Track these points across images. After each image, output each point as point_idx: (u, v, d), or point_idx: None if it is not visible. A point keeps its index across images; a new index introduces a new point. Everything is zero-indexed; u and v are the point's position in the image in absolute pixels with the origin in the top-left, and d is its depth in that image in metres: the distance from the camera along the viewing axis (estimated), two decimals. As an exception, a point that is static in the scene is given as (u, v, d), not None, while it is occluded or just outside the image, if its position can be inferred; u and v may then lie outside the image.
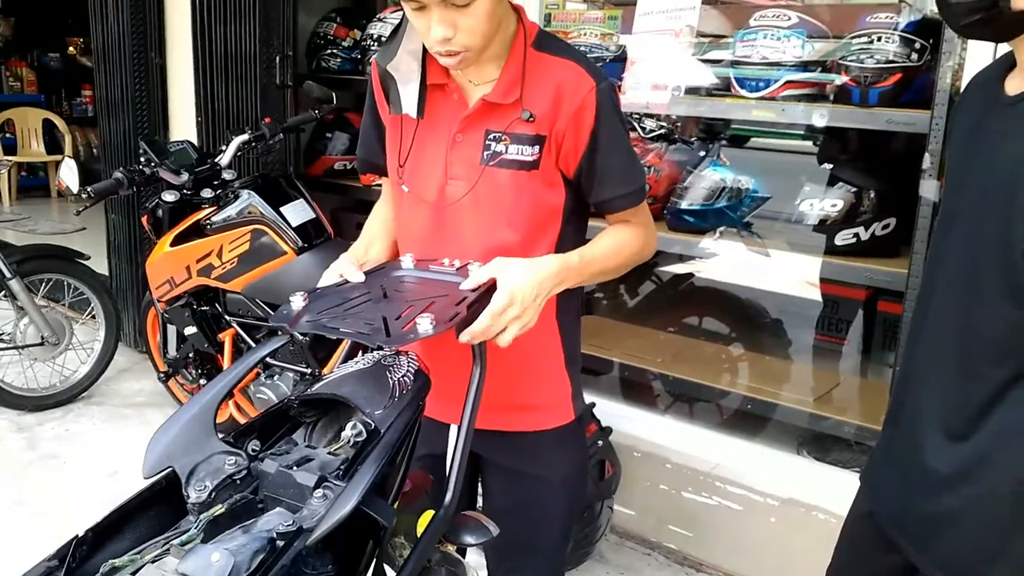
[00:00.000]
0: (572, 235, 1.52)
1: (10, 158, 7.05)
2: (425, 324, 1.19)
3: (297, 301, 1.30)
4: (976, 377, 1.14)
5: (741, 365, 3.29)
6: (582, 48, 2.95)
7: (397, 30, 1.48)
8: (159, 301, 3.13)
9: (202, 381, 3.27)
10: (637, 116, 3.31)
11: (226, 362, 3.04)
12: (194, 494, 1.15)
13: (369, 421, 1.23)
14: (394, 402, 1.26)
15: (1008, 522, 1.14)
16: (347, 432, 1.25)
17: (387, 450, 1.16)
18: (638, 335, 3.43)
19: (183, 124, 3.95)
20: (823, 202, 2.58)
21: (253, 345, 2.96)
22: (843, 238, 2.55)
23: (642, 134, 3.33)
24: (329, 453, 1.25)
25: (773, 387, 2.92)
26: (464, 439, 1.32)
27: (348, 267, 1.42)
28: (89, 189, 2.72)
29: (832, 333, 3.34)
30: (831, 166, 2.72)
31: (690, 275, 3.73)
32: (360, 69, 3.67)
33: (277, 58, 3.48)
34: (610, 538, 2.79)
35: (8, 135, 7.41)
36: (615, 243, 1.50)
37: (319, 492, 1.15)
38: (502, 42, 1.42)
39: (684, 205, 2.84)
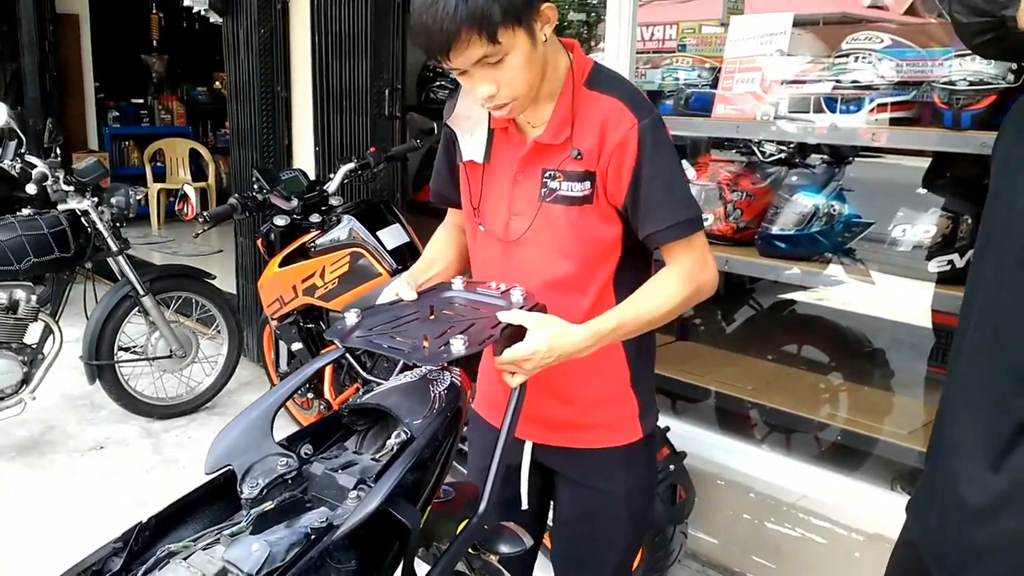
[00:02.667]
0: (633, 268, 1.55)
1: (157, 185, 7.66)
2: (458, 345, 1.27)
3: (351, 317, 1.40)
4: (1005, 409, 1.11)
5: (838, 396, 3.20)
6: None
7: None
8: (271, 318, 3.35)
9: (309, 395, 3.46)
10: (757, 141, 3.28)
11: (327, 377, 3.21)
12: (247, 490, 1.25)
13: (408, 431, 1.32)
14: (432, 413, 1.34)
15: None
16: (391, 440, 1.34)
17: (413, 455, 1.23)
18: (733, 362, 3.40)
19: (304, 154, 4.21)
20: (915, 228, 2.50)
21: (353, 363, 3.11)
22: (937, 264, 2.46)
23: (761, 158, 3.30)
24: (372, 459, 1.33)
25: (869, 419, 2.83)
26: (500, 453, 1.38)
27: (403, 287, 1.52)
28: (206, 214, 2.95)
29: (942, 363, 3.20)
30: (926, 191, 2.63)
31: (791, 302, 3.66)
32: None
33: (386, 91, 3.67)
34: (691, 566, 2.77)
35: (159, 163, 8.03)
36: (659, 296, 1.49)
37: (354, 493, 1.24)
38: (554, 81, 1.49)
39: (775, 230, 2.80)
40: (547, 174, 1.50)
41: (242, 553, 1.15)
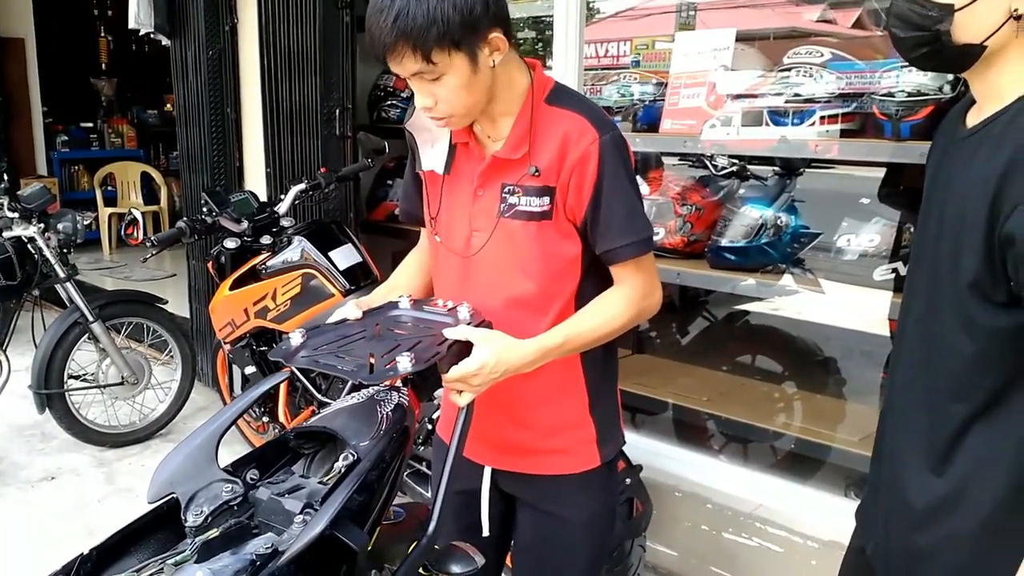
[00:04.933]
0: (595, 288, 1.55)
1: (109, 209, 7.53)
2: (404, 362, 1.26)
3: (296, 337, 1.39)
4: (941, 413, 1.14)
5: (792, 404, 3.24)
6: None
7: None
8: (224, 342, 3.30)
9: (265, 419, 3.41)
10: (709, 155, 3.32)
11: (281, 400, 3.17)
12: (191, 518, 1.23)
13: (355, 452, 1.31)
14: (379, 434, 1.34)
15: (972, 563, 1.12)
16: (339, 463, 1.33)
17: (359, 477, 1.22)
18: (688, 373, 3.42)
19: (255, 175, 4.17)
20: (859, 237, 2.55)
21: (308, 385, 3.08)
22: (882, 273, 2.51)
23: (713, 172, 3.34)
24: (319, 482, 1.32)
25: (822, 427, 2.86)
26: (448, 470, 1.38)
27: (350, 307, 1.51)
28: (153, 238, 2.91)
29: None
30: (867, 201, 2.69)
31: (744, 312, 3.70)
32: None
33: (337, 111, 3.66)
34: (651, 578, 2.78)
35: (110, 187, 7.90)
36: (605, 314, 1.51)
37: (299, 517, 1.23)
38: (513, 99, 1.49)
39: (724, 242, 2.84)
40: (506, 189, 1.50)
41: (185, 582, 1.13)
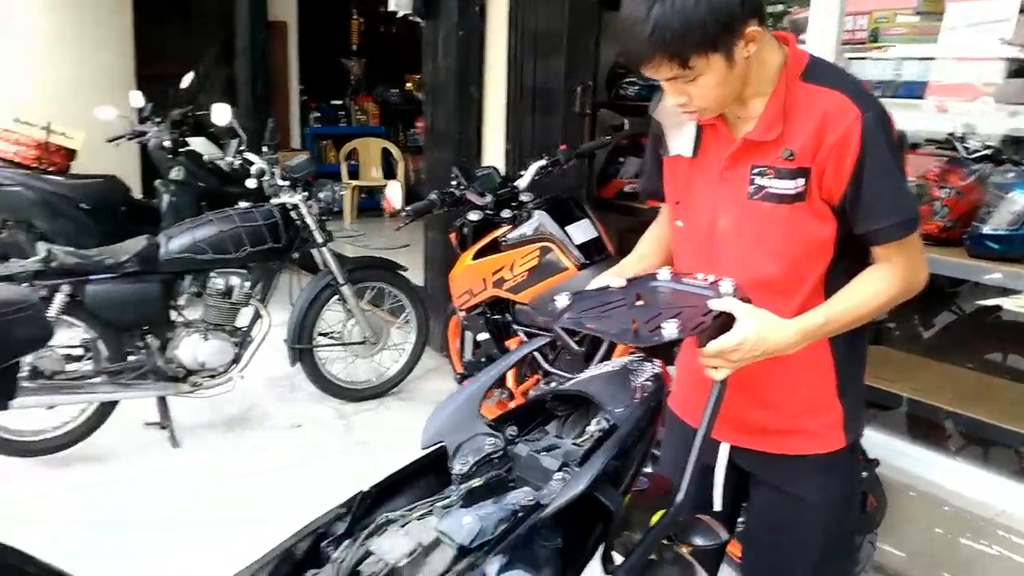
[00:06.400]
0: (846, 270, 1.49)
1: (352, 182, 8.09)
2: (670, 328, 1.27)
3: (562, 300, 1.43)
4: None
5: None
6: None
7: None
8: (459, 309, 3.46)
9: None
10: (960, 136, 3.09)
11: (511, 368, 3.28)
12: (458, 467, 1.31)
13: (610, 418, 1.33)
14: (634, 402, 1.35)
15: None
16: (592, 427, 1.36)
17: (619, 443, 1.25)
18: (929, 369, 3.20)
19: (494, 151, 4.32)
20: None
21: (536, 354, 3.17)
22: None
23: (965, 154, 3.10)
24: (574, 444, 1.36)
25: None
26: (698, 447, 1.37)
27: (611, 276, 1.54)
28: (408, 208, 3.10)
29: None
30: None
31: (996, 307, 3.38)
32: (655, 97, 3.79)
33: (579, 89, 3.70)
34: (880, 580, 2.64)
35: (353, 162, 8.49)
36: (867, 292, 1.46)
37: (559, 475, 1.27)
38: (765, 79, 1.45)
39: (987, 230, 2.62)
40: (756, 171, 1.47)
41: (455, 525, 1.21)
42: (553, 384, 3.09)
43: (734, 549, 2.07)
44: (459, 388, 1.47)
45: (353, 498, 1.30)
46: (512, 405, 3.29)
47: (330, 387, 4.16)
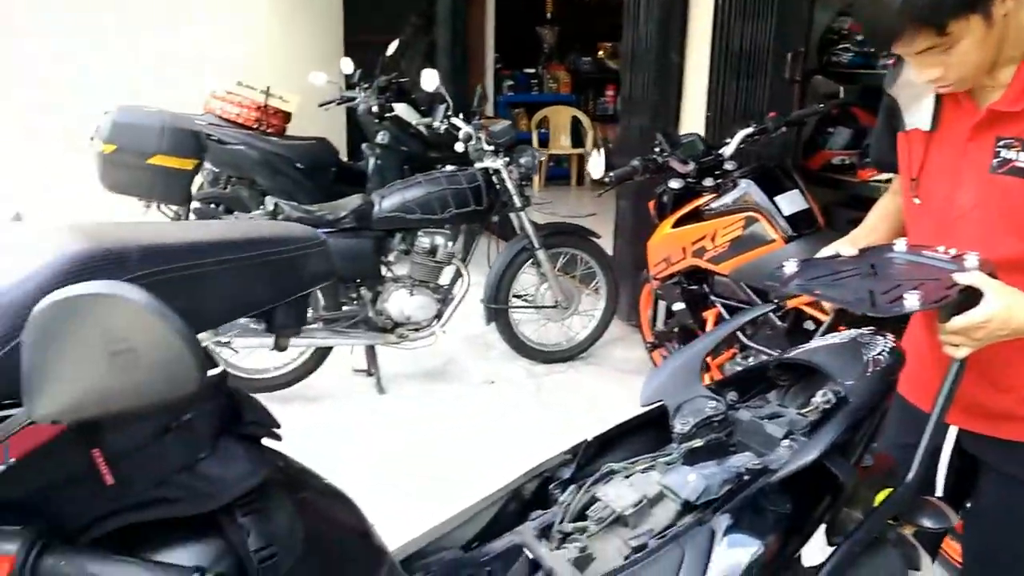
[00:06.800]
0: None
1: (543, 150, 8.20)
2: (912, 300, 1.23)
3: (790, 266, 1.42)
4: None
5: None
6: None
7: None
8: (654, 278, 3.47)
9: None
10: None
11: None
12: (679, 426, 1.34)
13: (839, 390, 1.31)
14: (866, 376, 1.32)
15: None
16: (817, 398, 1.35)
17: (851, 416, 1.23)
18: None
19: (693, 118, 4.25)
20: None
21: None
22: None
23: None
24: (799, 413, 1.35)
25: None
26: (932, 428, 1.33)
27: (843, 244, 1.51)
28: (611, 174, 3.13)
29: None
30: None
31: None
32: (872, 63, 3.60)
33: (789, 55, 3.58)
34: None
35: (543, 130, 8.60)
36: None
37: (786, 442, 1.27)
38: (1018, 42, 1.35)
39: None
40: (1001, 143, 1.38)
41: (679, 481, 1.24)
42: (750, 359, 3.05)
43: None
44: (679, 349, 1.49)
45: (578, 445, 1.37)
46: (707, 378, 3.28)
47: (522, 347, 4.29)
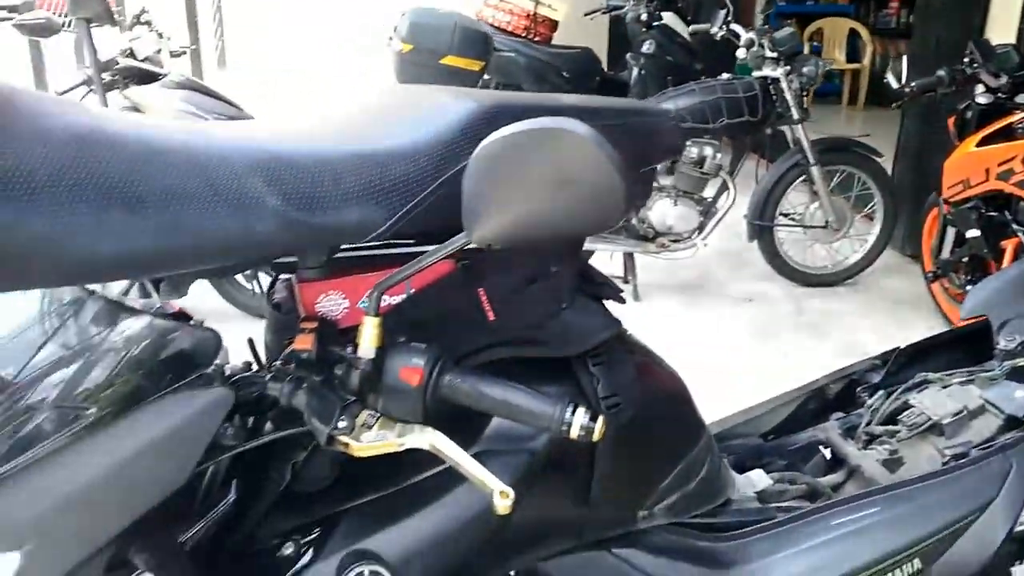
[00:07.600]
0: None
1: (825, 60, 7.67)
2: None
3: None
4: None
5: None
6: None
7: None
8: (946, 201, 3.21)
9: (967, 288, 3.27)
10: None
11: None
12: (1003, 342, 1.27)
13: None
14: None
15: None
16: None
17: None
18: None
19: (1002, 27, 3.82)
20: None
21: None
22: None
23: None
24: None
25: None
26: None
27: None
28: (913, 84, 2.90)
29: None
30: None
31: None
32: None
33: None
34: None
35: (816, 43, 8.05)
36: None
37: None
38: None
39: None
40: None
41: (1004, 395, 1.18)
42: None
43: None
44: (1011, 264, 1.39)
45: (889, 352, 1.33)
46: None
47: (784, 268, 4.15)
